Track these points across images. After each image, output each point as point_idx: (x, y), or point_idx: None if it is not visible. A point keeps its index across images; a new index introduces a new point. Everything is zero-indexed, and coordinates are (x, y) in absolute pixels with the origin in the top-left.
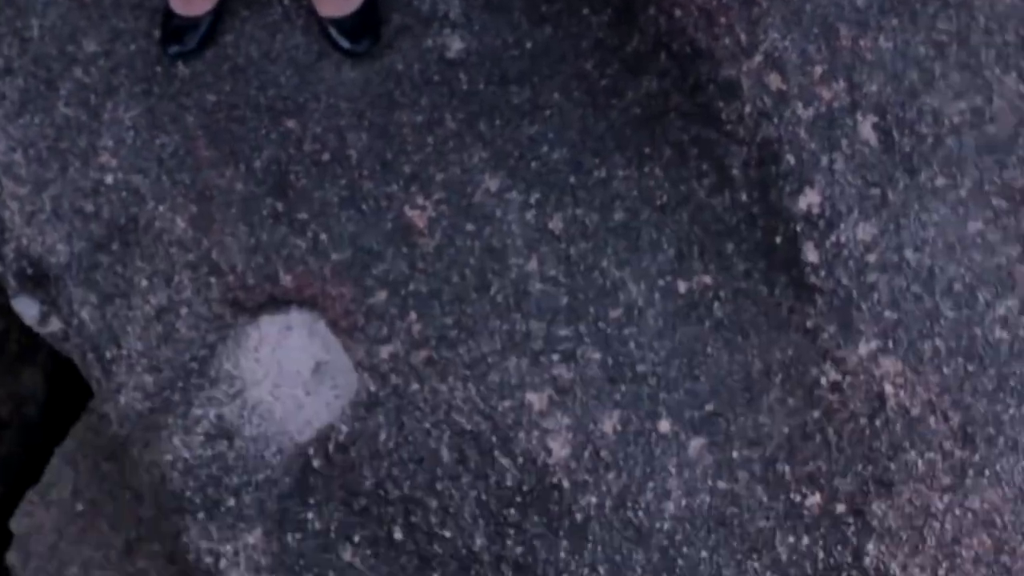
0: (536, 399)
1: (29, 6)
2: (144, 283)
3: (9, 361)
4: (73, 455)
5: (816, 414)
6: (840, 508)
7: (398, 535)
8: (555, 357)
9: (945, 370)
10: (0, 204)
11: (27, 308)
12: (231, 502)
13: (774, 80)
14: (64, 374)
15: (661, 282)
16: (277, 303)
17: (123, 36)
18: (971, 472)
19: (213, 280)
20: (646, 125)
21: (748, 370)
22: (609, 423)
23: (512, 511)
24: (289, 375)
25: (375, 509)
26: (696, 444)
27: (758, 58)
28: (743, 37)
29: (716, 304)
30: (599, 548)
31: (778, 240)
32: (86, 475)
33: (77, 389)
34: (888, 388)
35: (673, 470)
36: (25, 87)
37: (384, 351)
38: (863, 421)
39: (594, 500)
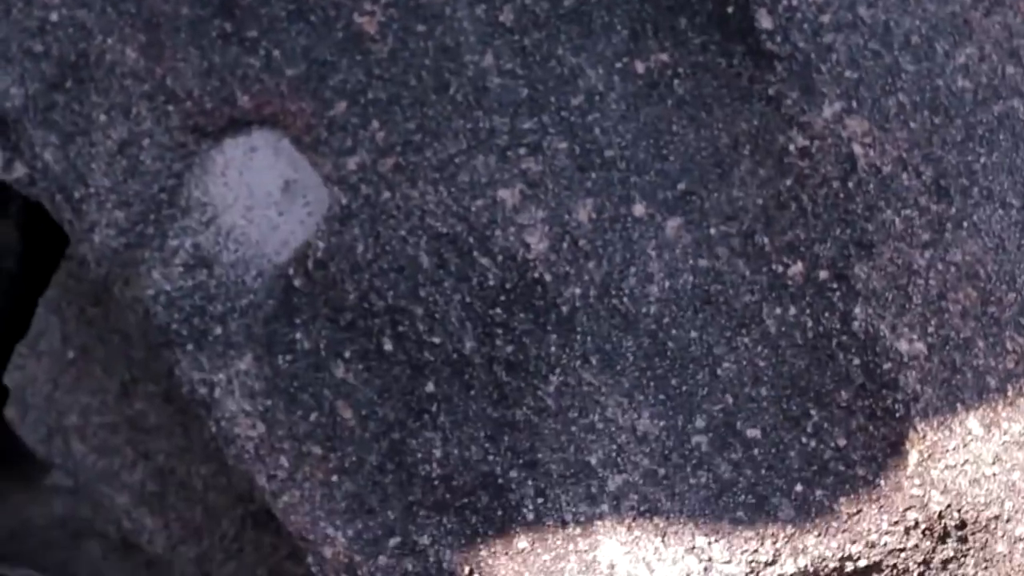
0: (508, 195)
1: None
2: (103, 118)
3: None
4: (58, 303)
5: (788, 182)
6: (823, 275)
7: (388, 346)
8: (522, 151)
9: (912, 125)
10: None
11: None
12: (218, 330)
13: None
14: (38, 223)
15: (618, 64)
16: (238, 125)
17: None
18: (949, 225)
19: (171, 108)
20: None
21: (716, 145)
22: (583, 212)
23: (498, 310)
24: (260, 196)
25: (362, 323)
26: (673, 224)
27: None
28: None
29: (676, 81)
30: (588, 339)
31: (730, 10)
32: (73, 322)
33: (54, 237)
34: (857, 148)
35: (653, 253)
36: None
37: (351, 162)
38: (836, 184)
39: (578, 291)
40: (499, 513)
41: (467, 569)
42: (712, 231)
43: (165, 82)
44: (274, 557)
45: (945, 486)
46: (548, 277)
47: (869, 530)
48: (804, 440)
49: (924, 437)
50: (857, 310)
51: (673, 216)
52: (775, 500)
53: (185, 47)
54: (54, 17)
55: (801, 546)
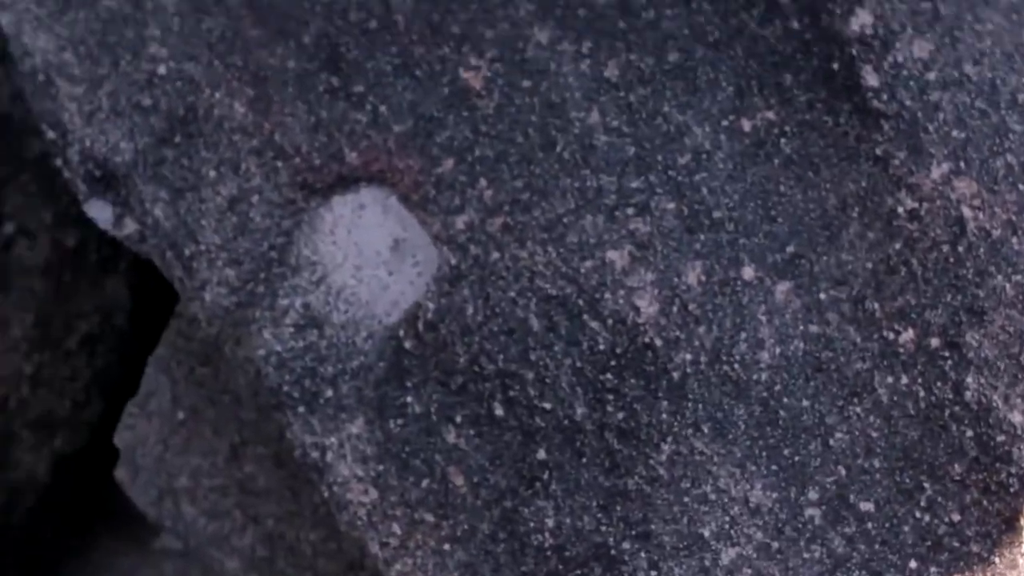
0: (617, 256)
1: None
2: (212, 174)
3: (92, 273)
4: (167, 362)
5: (898, 245)
6: (934, 342)
7: (499, 411)
8: (630, 211)
9: (1020, 187)
10: (58, 107)
11: (100, 212)
12: (329, 393)
13: None
14: (147, 280)
15: (725, 122)
16: (346, 182)
17: None
18: None
19: (280, 164)
20: None
21: (824, 206)
22: (693, 275)
23: (609, 376)
24: (369, 255)
25: (473, 387)
26: (782, 288)
27: None
28: None
29: (783, 140)
30: (700, 406)
31: (836, 66)
32: (183, 382)
33: (163, 294)
34: (966, 211)
35: (763, 318)
36: None
37: (460, 221)
38: (946, 248)
39: (688, 357)
40: None
41: None
42: (822, 296)
43: (274, 137)
44: None
45: None
46: (659, 342)
47: None
48: (918, 514)
49: None
50: (969, 379)
51: (783, 280)
52: None
53: (293, 101)
54: (162, 70)
55: None
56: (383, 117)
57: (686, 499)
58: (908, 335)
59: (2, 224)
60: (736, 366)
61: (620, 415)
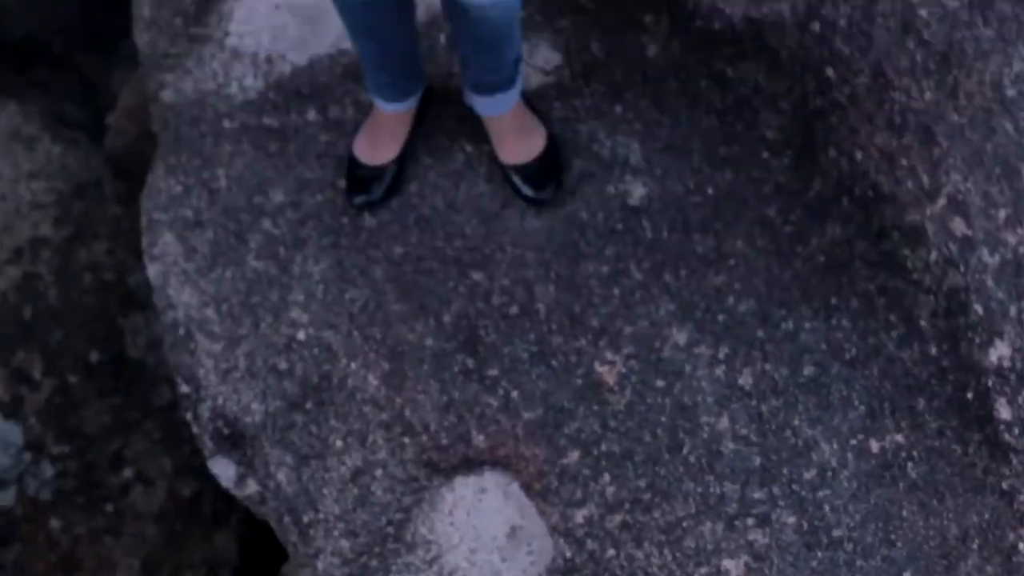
0: (732, 566)
1: (216, 156)
2: (339, 443)
3: (204, 525)
4: None
5: None
6: None
7: None
8: (750, 521)
9: None
10: (195, 362)
11: (224, 469)
12: None
13: (958, 225)
14: (256, 536)
15: (853, 441)
16: (471, 464)
17: (309, 186)
18: None
19: (407, 440)
20: (832, 274)
21: (944, 535)
22: None
23: None
24: (484, 540)
25: None
26: None
27: (941, 202)
28: (925, 180)
29: (910, 464)
30: None
31: (970, 396)
32: None
33: (268, 553)
34: None
35: None
36: (215, 240)
37: (579, 515)
38: None
39: None
40: None
41: None
42: None
43: (404, 413)
44: None
45: None
46: None
47: None
48: None
49: None
50: None
51: None
52: None
53: (427, 379)
54: (301, 336)
55: None
56: (514, 403)
57: None
58: None
59: (122, 468)
60: None
61: None
